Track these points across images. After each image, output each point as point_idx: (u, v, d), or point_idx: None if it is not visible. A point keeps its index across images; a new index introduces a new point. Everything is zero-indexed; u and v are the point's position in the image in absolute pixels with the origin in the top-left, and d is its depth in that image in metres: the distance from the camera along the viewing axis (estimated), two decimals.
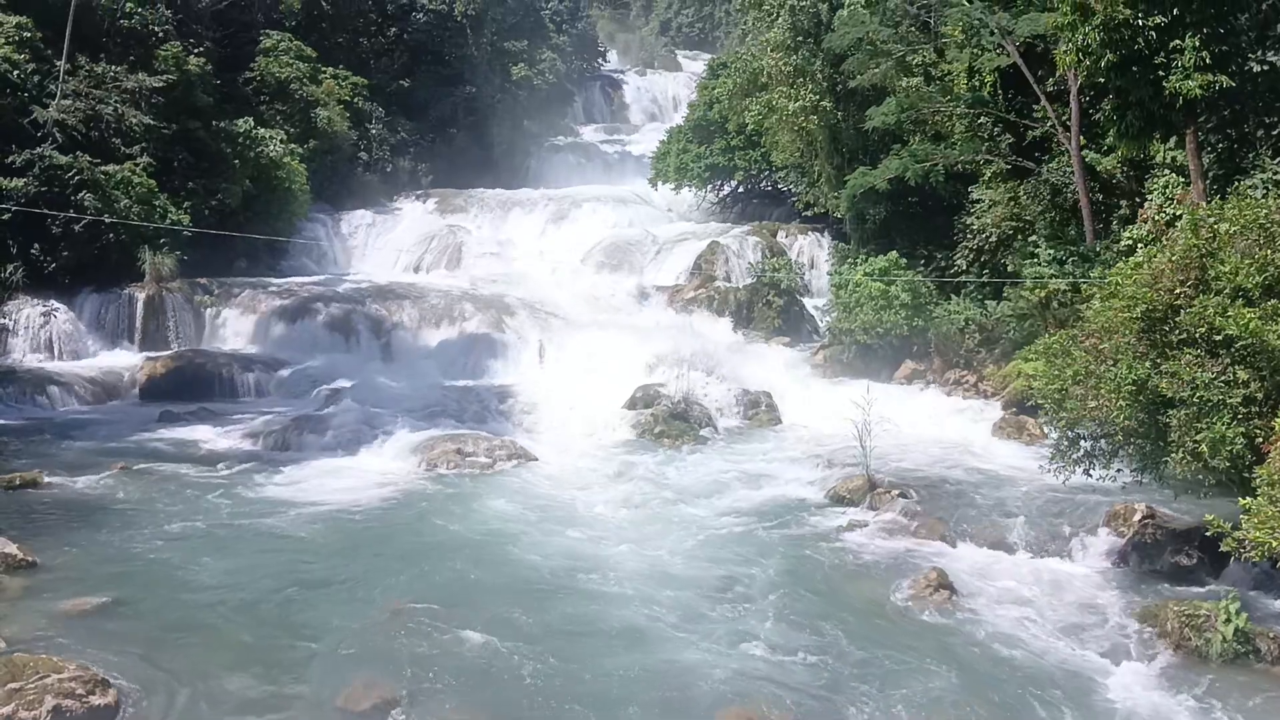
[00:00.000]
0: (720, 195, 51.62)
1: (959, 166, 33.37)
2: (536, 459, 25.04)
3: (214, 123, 40.94)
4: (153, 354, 33.36)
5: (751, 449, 26.02)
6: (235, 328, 35.47)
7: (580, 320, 35.47)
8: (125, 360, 33.08)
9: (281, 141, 43.41)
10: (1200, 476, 15.68)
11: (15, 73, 35.05)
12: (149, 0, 40.80)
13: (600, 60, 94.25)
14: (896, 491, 21.23)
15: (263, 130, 42.88)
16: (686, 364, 30.93)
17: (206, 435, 27.13)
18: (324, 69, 51.03)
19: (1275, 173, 24.46)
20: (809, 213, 42.89)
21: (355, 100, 51.98)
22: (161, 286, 35.29)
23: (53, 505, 21.13)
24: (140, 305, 34.88)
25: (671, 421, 27.28)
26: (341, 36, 56.29)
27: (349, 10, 56.96)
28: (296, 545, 19.00)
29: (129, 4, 39.99)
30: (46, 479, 22.45)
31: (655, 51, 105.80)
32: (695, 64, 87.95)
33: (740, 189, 51.02)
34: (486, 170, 57.79)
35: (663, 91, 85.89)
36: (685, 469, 24.30)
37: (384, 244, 46.46)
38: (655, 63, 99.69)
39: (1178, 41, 22.79)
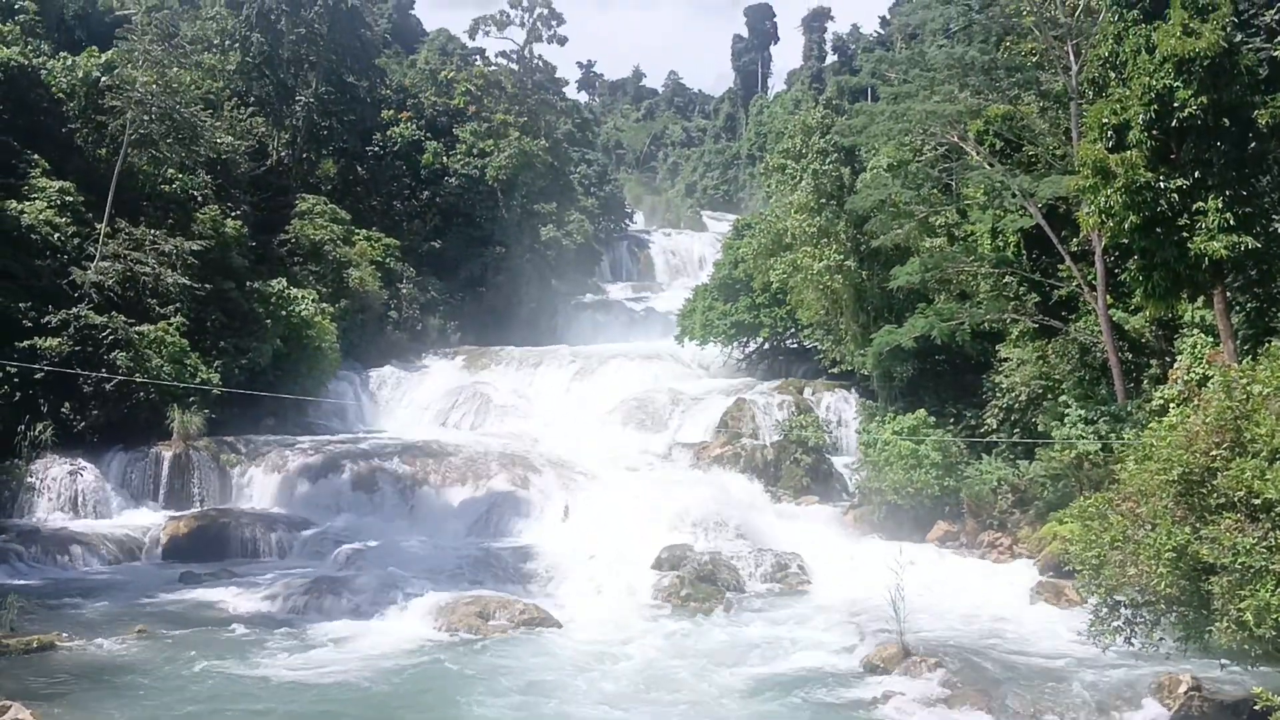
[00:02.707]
0: (746, 352, 51.80)
1: (985, 325, 33.41)
2: (559, 624, 24.45)
3: (248, 283, 41.83)
4: (176, 513, 33.21)
5: (781, 614, 25.32)
6: (260, 486, 35.32)
7: (605, 478, 35.14)
8: (149, 519, 32.86)
9: (313, 301, 44.18)
10: (1246, 646, 15.04)
11: (56, 235, 36.09)
12: (190, 167, 42.20)
13: (627, 221, 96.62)
14: (933, 660, 20.48)
15: (295, 290, 43.72)
16: (714, 524, 30.54)
17: (226, 597, 26.77)
18: (357, 231, 52.38)
19: None
20: (835, 370, 42.87)
21: (387, 260, 53.15)
22: (188, 445, 35.40)
23: (69, 668, 20.83)
24: (166, 464, 34.89)
25: (699, 584, 26.68)
26: (376, 200, 58.01)
27: (384, 175, 58.84)
28: None
29: (171, 170, 41.39)
30: (64, 641, 22.15)
31: (681, 212, 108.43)
32: (720, 224, 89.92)
33: (766, 346, 51.21)
34: (514, 327, 58.53)
35: (688, 250, 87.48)
36: (713, 636, 23.61)
37: (411, 401, 46.72)
38: (681, 223, 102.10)
39: (1201, 204, 23.03)
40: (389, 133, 59.45)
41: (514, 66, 70.53)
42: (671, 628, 24.16)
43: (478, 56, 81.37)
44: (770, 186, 46.38)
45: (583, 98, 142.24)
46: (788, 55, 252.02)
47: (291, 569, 29.27)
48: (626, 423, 42.16)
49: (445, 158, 60.72)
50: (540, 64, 72.04)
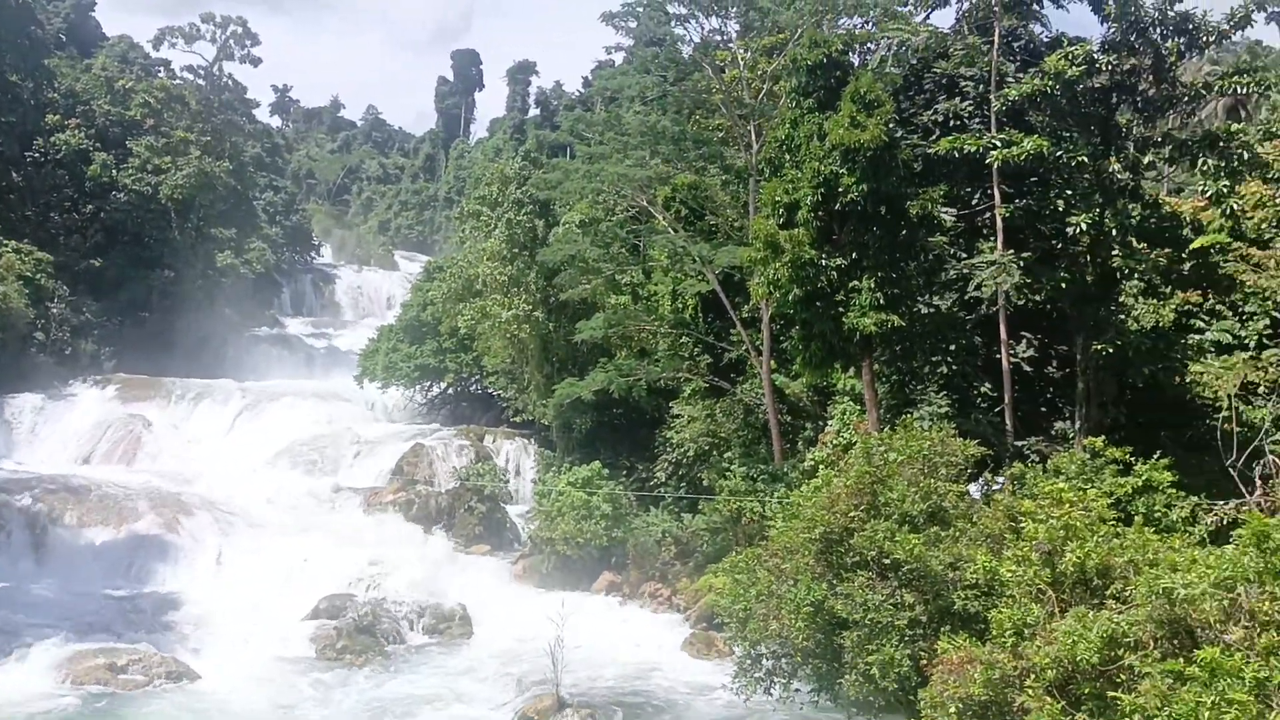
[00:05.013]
0: (429, 396, 51.01)
1: (662, 382, 34.54)
2: (200, 677, 22.75)
3: None
4: None
5: (441, 666, 24.73)
6: None
7: (266, 523, 33.27)
8: None
9: None
10: (871, 697, 16.01)
11: None
12: None
13: (314, 253, 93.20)
14: (586, 711, 20.63)
15: None
16: (379, 573, 29.51)
17: None
18: (6, 242, 47.52)
19: (939, 406, 26.59)
20: (518, 419, 42.94)
21: (37, 276, 48.44)
22: None
23: None
24: None
25: (356, 636, 25.62)
26: (30, 210, 52.86)
27: (43, 185, 53.74)
28: None
29: None
30: None
31: (372, 249, 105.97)
32: (412, 264, 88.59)
33: (450, 391, 50.64)
34: (180, 357, 54.64)
35: (377, 289, 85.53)
36: (366, 690, 22.71)
37: (54, 431, 42.51)
38: (371, 260, 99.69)
39: (856, 282, 24.73)
40: (53, 139, 54.46)
41: (201, 83, 66.90)
42: (322, 681, 23.03)
43: (162, 68, 76.62)
44: (465, 231, 46.14)
45: (275, 122, 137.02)
46: (492, 103, 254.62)
47: None
48: (295, 465, 40.32)
49: (115, 171, 56.33)
50: (230, 83, 68.90)
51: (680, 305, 35.95)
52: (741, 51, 36.03)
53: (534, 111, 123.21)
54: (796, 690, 17.47)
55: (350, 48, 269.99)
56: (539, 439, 41.35)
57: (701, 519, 30.37)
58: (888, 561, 16.04)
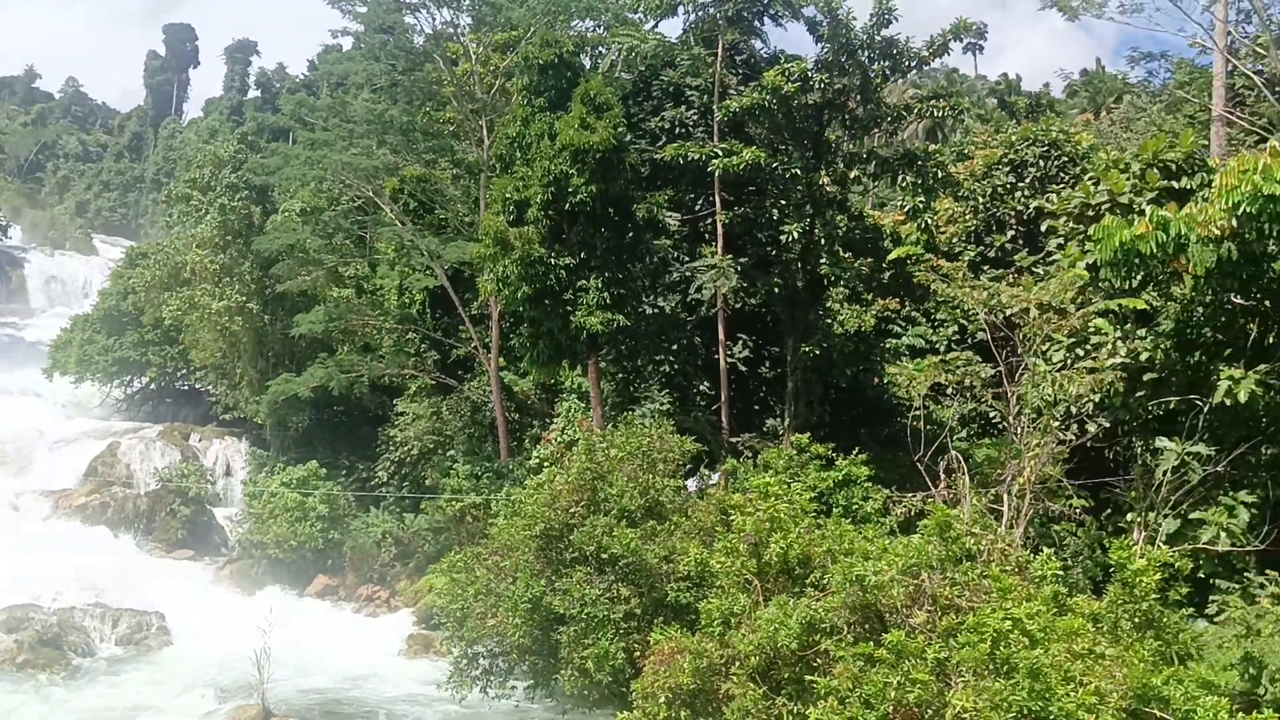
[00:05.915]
0: (129, 392, 47.60)
1: (385, 379, 33.71)
2: None
3: None
4: None
5: (135, 678, 23.12)
6: None
7: None
8: None
9: None
10: (586, 691, 16.13)
11: None
12: None
13: (1, 235, 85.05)
14: None
15: None
16: (66, 581, 27.24)
17: None
18: None
19: (661, 404, 27.26)
20: (228, 416, 40.79)
21: None
22: None
23: None
24: None
25: (40, 648, 23.64)
26: None
27: None
28: None
29: None
30: None
31: (69, 232, 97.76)
32: (113, 250, 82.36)
33: (152, 387, 47.42)
34: None
35: (73, 275, 78.87)
36: (49, 707, 20.94)
37: None
38: (67, 244, 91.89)
39: (584, 281, 24.99)
40: None
41: None
42: None
43: None
44: (173, 216, 43.35)
45: None
46: (208, 82, 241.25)
47: None
48: None
49: None
50: None
51: (407, 300, 35.25)
52: (474, 45, 35.70)
53: (254, 93, 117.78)
54: (513, 688, 17.37)
55: (50, 15, 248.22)
56: (251, 438, 39.44)
57: (424, 519, 29.87)
58: (605, 556, 16.19)
